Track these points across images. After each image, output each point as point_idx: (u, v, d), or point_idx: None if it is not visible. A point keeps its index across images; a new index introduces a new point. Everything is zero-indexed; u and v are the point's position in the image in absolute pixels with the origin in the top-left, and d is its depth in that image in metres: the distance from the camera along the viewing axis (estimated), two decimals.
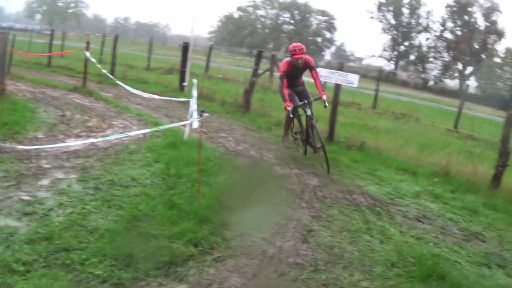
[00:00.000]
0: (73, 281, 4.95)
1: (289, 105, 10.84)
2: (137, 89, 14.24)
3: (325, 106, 11.27)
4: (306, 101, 11.23)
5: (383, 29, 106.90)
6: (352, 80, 12.97)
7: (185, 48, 22.05)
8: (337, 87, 13.45)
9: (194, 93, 11.04)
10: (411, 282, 5.90)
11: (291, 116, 11.21)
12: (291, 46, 11.11)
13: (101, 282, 5.00)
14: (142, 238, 5.98)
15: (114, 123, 12.93)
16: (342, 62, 14.01)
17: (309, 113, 11.15)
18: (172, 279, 5.31)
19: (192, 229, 6.33)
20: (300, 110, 11.52)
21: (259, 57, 17.40)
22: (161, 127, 10.00)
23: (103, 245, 5.65)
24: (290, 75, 11.30)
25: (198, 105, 10.85)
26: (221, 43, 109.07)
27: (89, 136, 11.09)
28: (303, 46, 11.04)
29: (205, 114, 7.85)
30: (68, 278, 4.99)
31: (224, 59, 56.13)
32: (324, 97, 10.94)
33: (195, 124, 9.46)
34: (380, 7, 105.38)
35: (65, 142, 10.18)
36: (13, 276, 4.95)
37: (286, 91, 11.09)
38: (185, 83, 21.02)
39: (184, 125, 11.13)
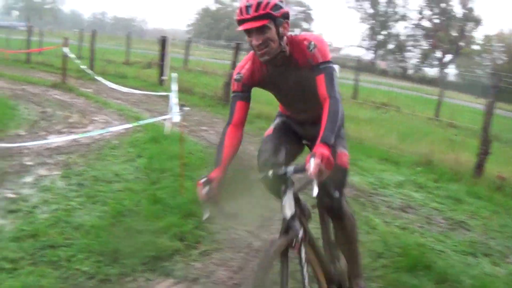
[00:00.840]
0: (60, 278, 4.93)
1: (201, 181, 3.85)
2: (117, 83, 14.27)
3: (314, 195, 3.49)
4: (290, 169, 3.91)
5: (361, 18, 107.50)
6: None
7: (163, 41, 22.01)
8: None
9: (174, 87, 11.02)
10: (398, 272, 5.91)
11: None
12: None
13: (88, 278, 4.98)
14: (127, 233, 5.97)
15: (95, 118, 12.90)
16: None
17: (315, 192, 3.50)
18: (158, 274, 5.30)
19: (177, 224, 6.32)
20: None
21: (237, 49, 17.43)
22: (142, 122, 9.99)
23: (89, 241, 5.64)
24: (271, 88, 4.46)
25: (178, 99, 10.83)
26: (199, 36, 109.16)
27: (71, 132, 11.04)
28: None
29: (186, 108, 7.83)
30: (55, 275, 4.97)
31: (203, 52, 56.02)
32: (312, 166, 3.50)
33: (176, 118, 9.46)
34: None
35: (47, 139, 10.14)
36: (0, 273, 4.95)
37: (228, 139, 4.23)
38: (164, 77, 20.95)
39: (165, 120, 11.08)
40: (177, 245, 5.91)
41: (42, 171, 8.21)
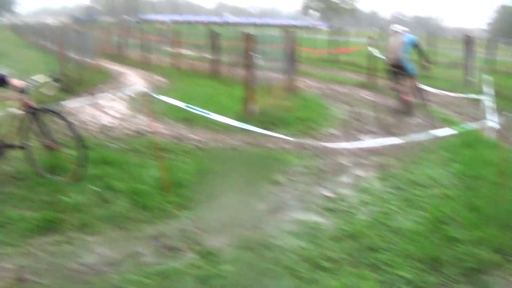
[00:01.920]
0: (380, 282, 4.96)
1: None
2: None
3: None
4: None
5: None
6: None
7: (467, 41, 21.43)
8: None
9: (488, 90, 10.69)
10: None
11: None
12: None
13: (407, 284, 4.95)
14: (446, 241, 5.83)
15: (409, 120, 12.80)
16: None
17: None
18: None
19: (496, 235, 5.99)
20: None
21: None
22: (466, 127, 9.70)
23: (407, 246, 5.62)
24: None
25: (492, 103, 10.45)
26: (498, 34, 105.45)
27: (388, 135, 11.11)
28: None
29: (508, 114, 7.49)
30: (375, 278, 5.01)
31: (506, 52, 53.72)
32: None
33: (492, 123, 9.14)
34: None
35: (360, 139, 10.36)
36: (320, 272, 5.11)
37: None
38: (470, 78, 20.35)
39: (481, 125, 10.66)
40: (496, 258, 5.62)
41: (358, 172, 8.42)
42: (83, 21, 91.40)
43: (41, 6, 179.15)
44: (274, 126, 10.91)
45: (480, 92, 11.23)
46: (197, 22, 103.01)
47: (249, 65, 12.36)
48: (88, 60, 23.33)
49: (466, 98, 14.98)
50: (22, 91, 7.23)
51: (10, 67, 10.52)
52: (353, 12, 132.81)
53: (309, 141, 9.93)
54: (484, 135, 10.50)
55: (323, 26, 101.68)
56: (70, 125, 7.56)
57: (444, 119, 13.09)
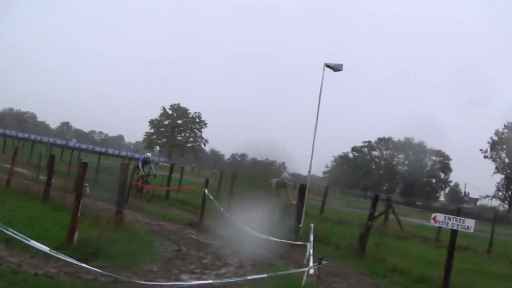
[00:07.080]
0: None
1: None
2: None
3: None
4: None
5: (497, 168, 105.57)
6: (468, 225, 12.52)
7: (301, 189, 22.00)
8: (454, 232, 12.96)
9: (311, 237, 11.16)
10: None
11: None
12: None
13: None
14: None
15: (229, 261, 13.01)
16: (459, 206, 13.77)
17: None
18: None
19: None
20: None
21: (376, 201, 17.90)
22: (280, 273, 9.98)
23: None
24: None
25: (313, 249, 10.85)
26: (335, 182, 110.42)
27: (204, 274, 11.25)
28: None
29: (324, 262, 7.84)
30: None
31: (339, 200, 56.49)
32: None
33: (312, 271, 9.49)
34: (493, 146, 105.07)
35: (180, 278, 10.43)
36: None
37: None
38: (300, 225, 20.73)
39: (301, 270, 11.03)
40: None
41: None
42: None
43: None
44: (94, 257, 10.76)
45: (305, 238, 11.62)
46: (40, 142, 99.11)
47: (78, 193, 12.16)
48: None
49: (292, 243, 15.33)
50: None
51: None
52: (196, 151, 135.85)
53: (125, 277, 9.63)
54: (303, 281, 10.83)
55: (163, 162, 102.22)
56: None
57: (268, 264, 13.18)
